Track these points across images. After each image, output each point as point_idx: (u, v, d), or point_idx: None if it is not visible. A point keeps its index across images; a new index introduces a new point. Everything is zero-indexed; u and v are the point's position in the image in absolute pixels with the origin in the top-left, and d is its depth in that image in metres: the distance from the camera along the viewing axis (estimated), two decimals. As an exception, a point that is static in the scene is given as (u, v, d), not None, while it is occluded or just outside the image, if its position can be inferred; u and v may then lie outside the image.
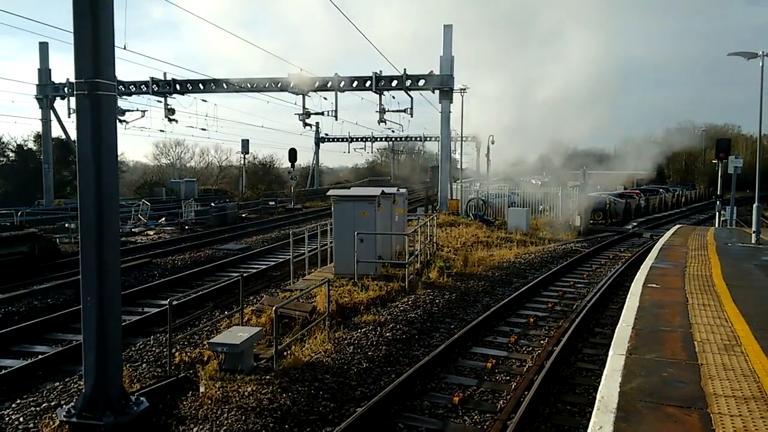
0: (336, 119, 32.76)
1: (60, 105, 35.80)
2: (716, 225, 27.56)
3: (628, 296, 9.82)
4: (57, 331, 11.30)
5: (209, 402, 7.13)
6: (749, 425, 4.77)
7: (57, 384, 8.04)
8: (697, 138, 70.05)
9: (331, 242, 14.89)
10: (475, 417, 7.39)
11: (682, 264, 13.33)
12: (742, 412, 5.03)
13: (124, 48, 23.72)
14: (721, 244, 17.84)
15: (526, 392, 7.87)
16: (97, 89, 6.48)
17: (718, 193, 28.81)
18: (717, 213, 28.20)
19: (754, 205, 18.51)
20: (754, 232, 18.09)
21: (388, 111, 31.98)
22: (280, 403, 7.20)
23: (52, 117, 35.71)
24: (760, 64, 17.81)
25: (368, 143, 68.50)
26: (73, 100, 31.53)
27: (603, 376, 5.97)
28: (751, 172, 20.89)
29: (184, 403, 7.22)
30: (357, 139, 66.73)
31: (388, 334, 10.09)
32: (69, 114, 34.29)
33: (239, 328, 8.91)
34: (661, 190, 52.28)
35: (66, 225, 24.91)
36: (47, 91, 34.92)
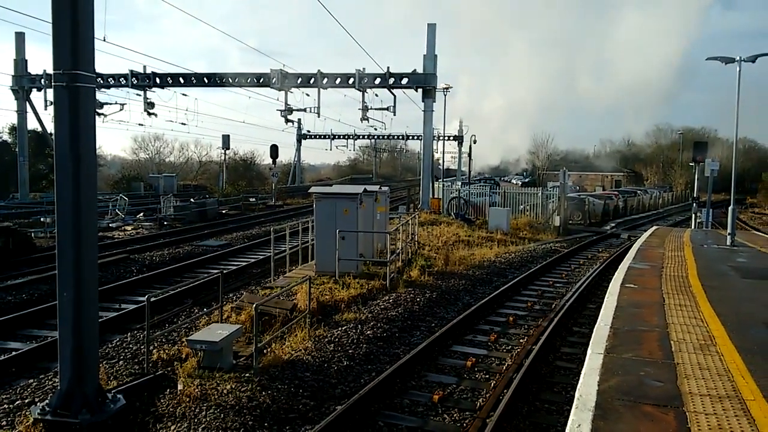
0: (318, 116, 32.66)
1: (36, 96, 35.13)
2: (693, 227, 28.04)
3: (606, 296, 9.94)
4: (32, 327, 11.09)
5: (187, 400, 7.05)
6: (723, 423, 4.85)
7: (31, 381, 7.89)
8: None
9: (312, 240, 14.83)
10: (455, 415, 7.42)
11: (659, 265, 13.53)
12: (716, 410, 5.12)
13: (104, 40, 23.41)
14: (698, 245, 18.14)
15: (505, 390, 7.92)
16: (76, 81, 6.36)
17: (695, 195, 29.33)
18: (693, 215, 28.72)
19: (730, 208, 18.85)
20: (729, 234, 18.42)
21: (370, 109, 31.95)
22: (259, 401, 7.15)
23: (28, 109, 35.03)
24: (738, 69, 18.10)
25: (351, 141, 68.29)
26: (50, 91, 30.89)
27: (581, 375, 6.03)
28: (728, 175, 21.26)
29: (162, 400, 7.14)
30: (339, 137, 66.50)
31: (369, 332, 10.08)
32: (45, 106, 33.68)
33: (218, 326, 8.83)
34: (638, 191, 53.08)
35: (42, 219, 24.47)
36: (23, 83, 34.24)
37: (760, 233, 29.41)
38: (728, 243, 18.12)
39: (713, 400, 5.35)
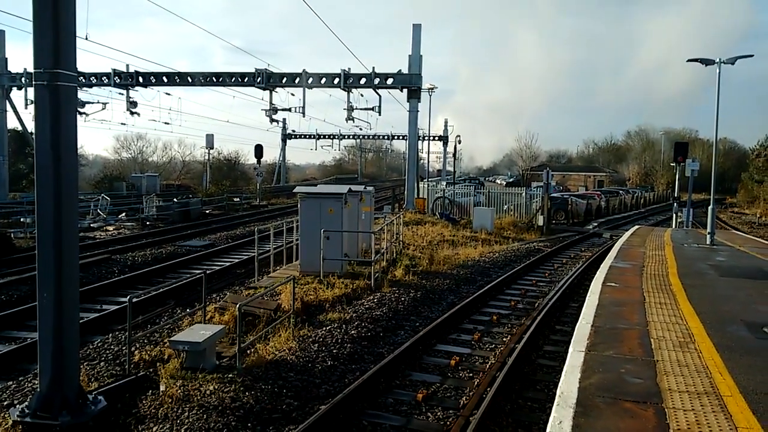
0: (303, 116, 32.59)
1: (17, 95, 34.64)
2: (673, 226, 28.42)
3: (588, 294, 10.05)
4: (11, 328, 10.94)
5: (170, 401, 7.01)
6: (701, 419, 4.94)
7: (10, 383, 7.79)
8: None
9: (296, 240, 14.80)
10: (439, 413, 7.45)
11: (640, 264, 13.71)
12: (695, 406, 5.21)
13: (86, 38, 23.21)
14: (678, 244, 18.39)
15: (488, 389, 7.97)
16: (57, 80, 6.29)
17: (676, 195, 29.73)
18: (674, 214, 29.10)
19: (709, 208, 19.13)
20: (708, 233, 18.69)
21: (356, 109, 31.97)
22: (242, 401, 7.13)
23: (8, 107, 34.53)
24: (717, 71, 18.38)
25: (336, 141, 68.29)
26: (30, 90, 30.56)
27: (563, 373, 6.10)
28: (708, 175, 21.56)
29: (144, 402, 7.08)
30: (324, 137, 66.46)
31: (353, 331, 10.09)
32: (26, 105, 33.26)
33: (201, 326, 8.78)
34: (620, 191, 53.66)
35: (21, 219, 24.14)
36: (3, 81, 33.72)
37: (739, 232, 29.91)
38: (708, 242, 18.39)
39: (691, 396, 5.44)
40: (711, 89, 18.33)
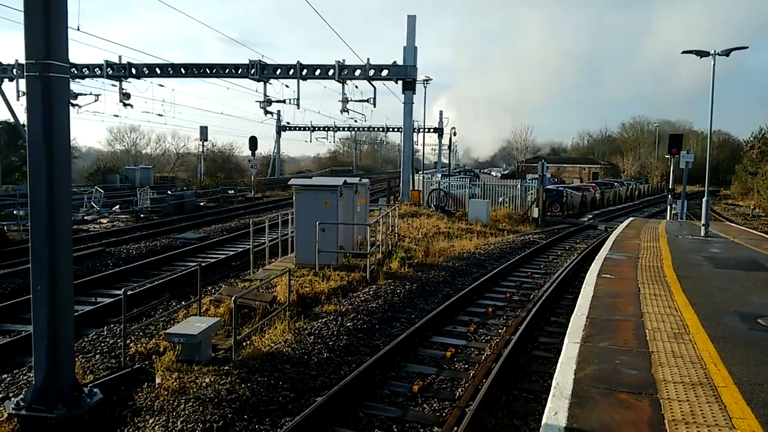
0: (298, 108, 32.36)
1: (8, 86, 34.30)
2: (668, 218, 28.52)
3: (583, 286, 10.09)
4: (5, 321, 10.91)
5: (165, 393, 7.00)
6: (696, 410, 4.97)
7: (5, 376, 7.76)
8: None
9: (292, 232, 14.78)
10: (434, 405, 7.47)
11: (634, 255, 13.76)
12: (689, 397, 5.24)
13: (78, 29, 22.98)
14: (672, 236, 18.47)
15: (484, 380, 7.99)
16: (49, 71, 6.22)
17: (670, 187, 29.83)
18: (668, 206, 29.20)
19: (704, 199, 19.20)
20: (703, 225, 18.77)
21: (350, 101, 31.81)
22: (238, 393, 7.13)
23: None
24: (712, 63, 18.39)
25: (330, 133, 68.01)
26: (22, 82, 30.30)
27: (558, 364, 6.13)
28: (703, 167, 21.62)
29: (140, 394, 7.08)
30: (319, 129, 66.20)
31: (349, 324, 10.09)
32: (18, 96, 32.90)
33: (197, 319, 8.77)
34: (615, 183, 53.81)
35: (15, 212, 24.01)
36: (-6, 72, 33.41)
37: (733, 224, 30.07)
38: (702, 234, 18.47)
39: (686, 387, 5.48)
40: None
